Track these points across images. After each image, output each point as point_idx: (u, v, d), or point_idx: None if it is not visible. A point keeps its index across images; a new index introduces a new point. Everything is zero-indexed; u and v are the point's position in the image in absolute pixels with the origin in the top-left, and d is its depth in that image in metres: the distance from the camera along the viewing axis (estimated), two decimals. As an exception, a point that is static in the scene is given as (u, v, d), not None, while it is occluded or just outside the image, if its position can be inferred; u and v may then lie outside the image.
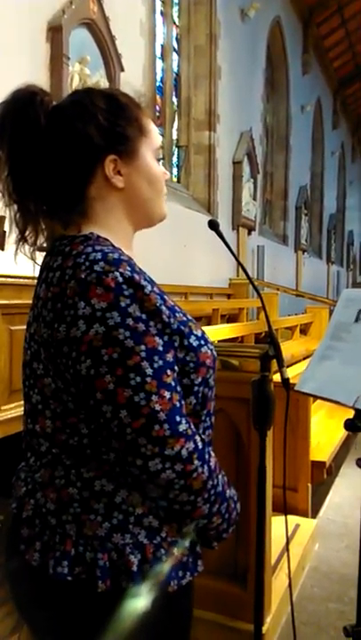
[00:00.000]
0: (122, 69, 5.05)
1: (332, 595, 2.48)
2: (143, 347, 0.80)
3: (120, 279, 0.80)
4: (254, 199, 9.29)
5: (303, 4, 11.62)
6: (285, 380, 1.18)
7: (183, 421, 0.83)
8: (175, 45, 7.57)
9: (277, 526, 2.10)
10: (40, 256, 0.97)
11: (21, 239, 0.92)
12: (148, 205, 0.97)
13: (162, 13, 7.03)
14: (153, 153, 0.97)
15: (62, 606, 0.84)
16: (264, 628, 1.83)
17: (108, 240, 0.90)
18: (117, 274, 0.81)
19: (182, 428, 0.82)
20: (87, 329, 0.79)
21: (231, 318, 6.75)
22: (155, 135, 0.99)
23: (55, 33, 4.25)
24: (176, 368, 0.84)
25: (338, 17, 12.66)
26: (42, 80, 4.18)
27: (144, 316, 0.81)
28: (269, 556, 2.08)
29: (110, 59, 4.91)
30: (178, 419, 0.82)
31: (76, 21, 4.46)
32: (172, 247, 6.40)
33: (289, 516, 2.64)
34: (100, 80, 4.76)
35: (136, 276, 0.82)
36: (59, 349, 0.82)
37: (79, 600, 0.83)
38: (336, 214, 17.10)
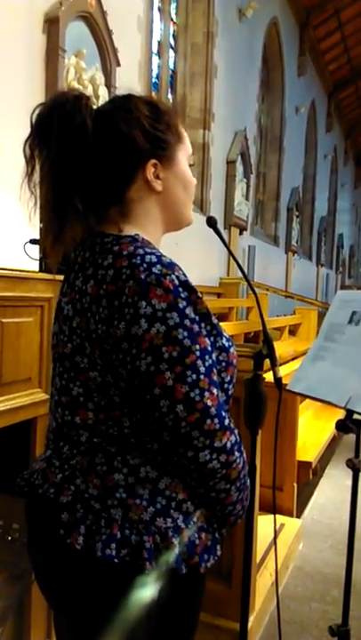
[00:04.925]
0: (118, 64, 5.02)
1: (315, 594, 2.49)
2: (198, 346, 0.86)
3: (176, 282, 0.86)
4: (247, 199, 9.29)
5: (301, 6, 11.63)
6: (278, 380, 1.19)
7: (227, 416, 0.90)
8: (172, 42, 7.53)
9: (262, 525, 2.11)
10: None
11: (56, 239, 0.94)
12: (180, 209, 1.03)
13: (160, 10, 7.01)
14: (187, 159, 1.03)
15: (106, 587, 0.88)
16: (248, 627, 1.84)
17: (151, 243, 0.95)
18: (174, 277, 0.86)
19: (227, 422, 0.89)
20: (148, 327, 0.83)
21: (221, 317, 6.76)
22: (188, 142, 1.04)
23: (52, 25, 4.20)
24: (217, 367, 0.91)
25: (335, 20, 12.69)
26: (37, 72, 4.14)
27: (197, 318, 0.87)
28: (255, 554, 2.09)
29: (107, 53, 4.88)
30: (223, 413, 0.89)
31: (74, 14, 4.42)
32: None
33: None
34: (95, 74, 4.73)
35: (189, 280, 0.88)
36: (117, 345, 0.86)
37: (123, 581, 0.87)
38: (327, 217, 17.17)
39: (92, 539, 0.87)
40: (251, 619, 2.01)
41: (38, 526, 0.97)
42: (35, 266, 1.81)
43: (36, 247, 1.81)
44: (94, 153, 0.92)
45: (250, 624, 1.97)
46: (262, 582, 2.25)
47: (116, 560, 0.85)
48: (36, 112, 0.94)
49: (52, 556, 0.93)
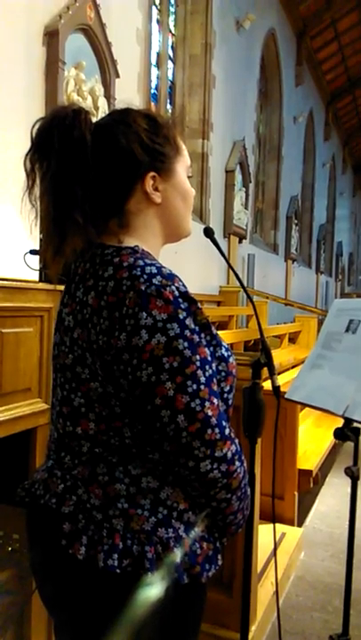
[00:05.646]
0: (117, 76, 5.07)
1: (316, 604, 2.48)
2: (198, 356, 0.86)
3: (177, 293, 0.87)
4: (246, 208, 9.33)
5: (298, 17, 11.74)
6: (276, 388, 1.19)
7: (227, 425, 0.90)
8: (171, 54, 7.60)
9: (263, 534, 2.11)
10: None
11: (56, 252, 0.94)
12: (179, 221, 1.04)
13: (158, 22, 7.07)
14: (185, 171, 1.04)
15: (108, 597, 0.88)
16: (249, 637, 1.83)
17: (150, 254, 0.96)
18: (174, 288, 0.87)
19: (227, 431, 0.89)
20: (149, 338, 0.84)
21: (221, 325, 6.76)
22: (187, 154, 1.05)
23: (52, 38, 4.25)
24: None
25: (331, 30, 12.81)
26: (37, 84, 4.18)
27: (197, 329, 0.88)
28: (255, 564, 2.08)
29: (106, 65, 4.92)
30: (224, 423, 0.89)
31: (73, 27, 4.46)
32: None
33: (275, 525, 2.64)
34: (95, 86, 4.77)
35: (189, 291, 0.89)
36: (118, 356, 0.86)
37: (125, 591, 0.87)
38: (326, 225, 17.22)
39: (94, 549, 0.87)
40: (252, 629, 2.00)
41: (40, 537, 0.97)
42: (35, 276, 1.83)
43: (36, 257, 1.82)
44: (94, 166, 0.93)
45: (251, 634, 1.97)
46: (264, 592, 2.24)
47: (118, 570, 0.86)
48: (37, 126, 0.95)
49: (54, 567, 0.93)
